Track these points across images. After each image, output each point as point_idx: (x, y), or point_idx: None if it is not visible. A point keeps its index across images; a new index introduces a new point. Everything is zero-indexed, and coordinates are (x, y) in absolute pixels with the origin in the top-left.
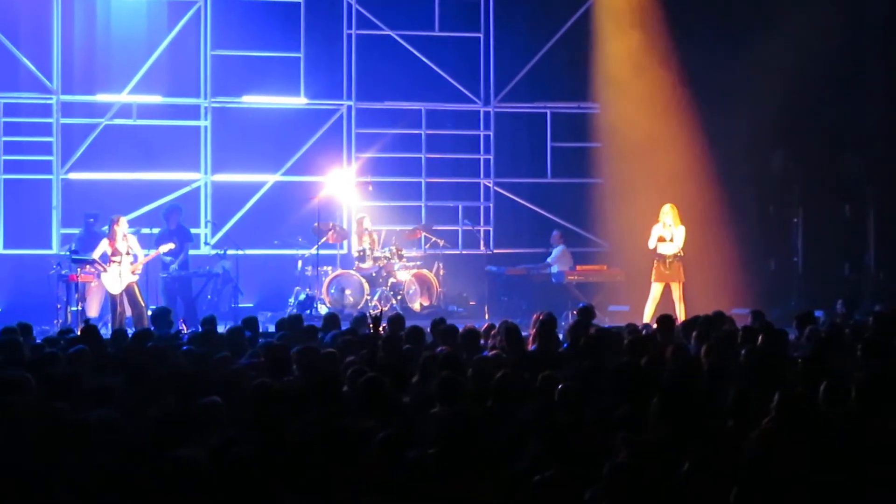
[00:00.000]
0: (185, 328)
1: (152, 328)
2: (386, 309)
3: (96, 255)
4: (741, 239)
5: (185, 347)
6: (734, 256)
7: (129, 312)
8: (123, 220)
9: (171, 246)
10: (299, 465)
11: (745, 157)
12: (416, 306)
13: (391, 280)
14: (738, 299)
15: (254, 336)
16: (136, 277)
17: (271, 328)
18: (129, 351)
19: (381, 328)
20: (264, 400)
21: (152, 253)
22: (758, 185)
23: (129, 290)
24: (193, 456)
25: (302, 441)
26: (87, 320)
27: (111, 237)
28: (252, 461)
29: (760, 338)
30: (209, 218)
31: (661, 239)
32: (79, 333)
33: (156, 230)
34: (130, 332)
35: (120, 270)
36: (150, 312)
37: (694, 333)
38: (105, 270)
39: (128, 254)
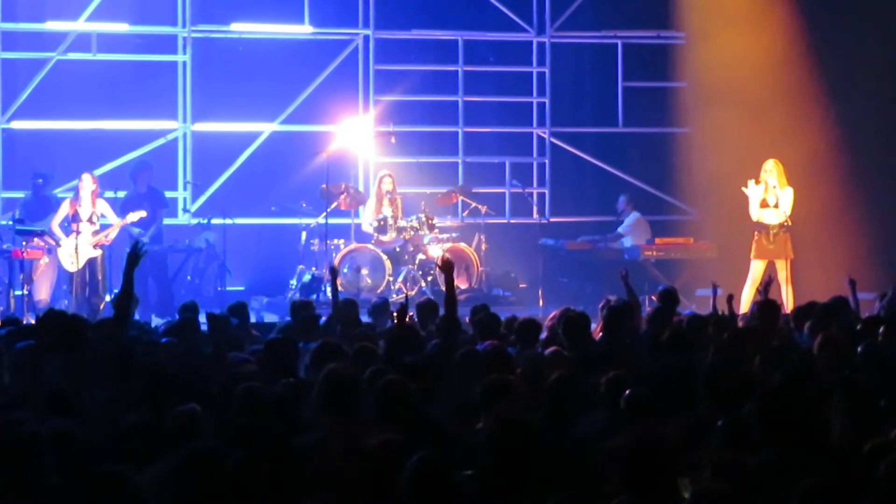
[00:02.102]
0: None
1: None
2: (413, 293)
3: (56, 221)
4: (868, 201)
5: (164, 340)
6: (858, 224)
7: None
8: (90, 178)
9: (141, 214)
10: (307, 491)
11: (872, 95)
12: None
13: (419, 257)
14: (865, 280)
15: (242, 326)
16: (98, 252)
17: (268, 317)
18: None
19: (407, 318)
20: (257, 409)
21: (117, 223)
22: (889, 130)
23: (90, 268)
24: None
25: (311, 461)
26: (50, 308)
27: (75, 199)
28: (236, 481)
29: (882, 329)
30: (189, 178)
31: (764, 204)
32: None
33: (121, 193)
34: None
35: (78, 243)
36: (109, 298)
37: (807, 325)
38: (59, 244)
39: (91, 221)
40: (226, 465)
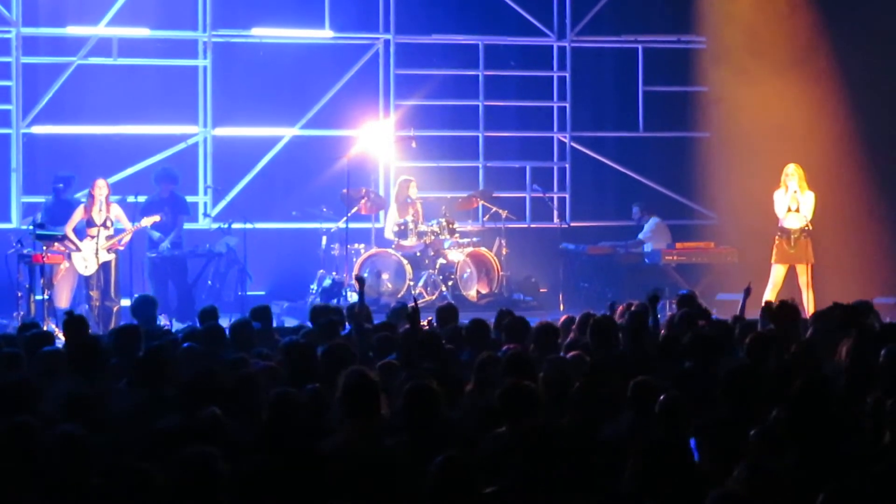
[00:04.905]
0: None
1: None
2: (434, 297)
3: (70, 226)
4: (888, 206)
5: (185, 345)
6: (879, 230)
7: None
8: (103, 184)
9: (155, 219)
10: (329, 495)
11: (893, 99)
12: (472, 294)
13: (440, 261)
14: (884, 285)
15: (266, 331)
16: (112, 256)
17: (289, 322)
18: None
19: (421, 324)
20: (284, 414)
21: (130, 228)
22: None
23: (104, 272)
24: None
25: (335, 465)
26: (69, 312)
27: (88, 205)
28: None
29: None
30: (210, 183)
31: (786, 209)
32: (59, 328)
33: (142, 198)
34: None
35: (95, 248)
36: (120, 304)
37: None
38: (78, 248)
39: (106, 226)
40: (224, 470)
